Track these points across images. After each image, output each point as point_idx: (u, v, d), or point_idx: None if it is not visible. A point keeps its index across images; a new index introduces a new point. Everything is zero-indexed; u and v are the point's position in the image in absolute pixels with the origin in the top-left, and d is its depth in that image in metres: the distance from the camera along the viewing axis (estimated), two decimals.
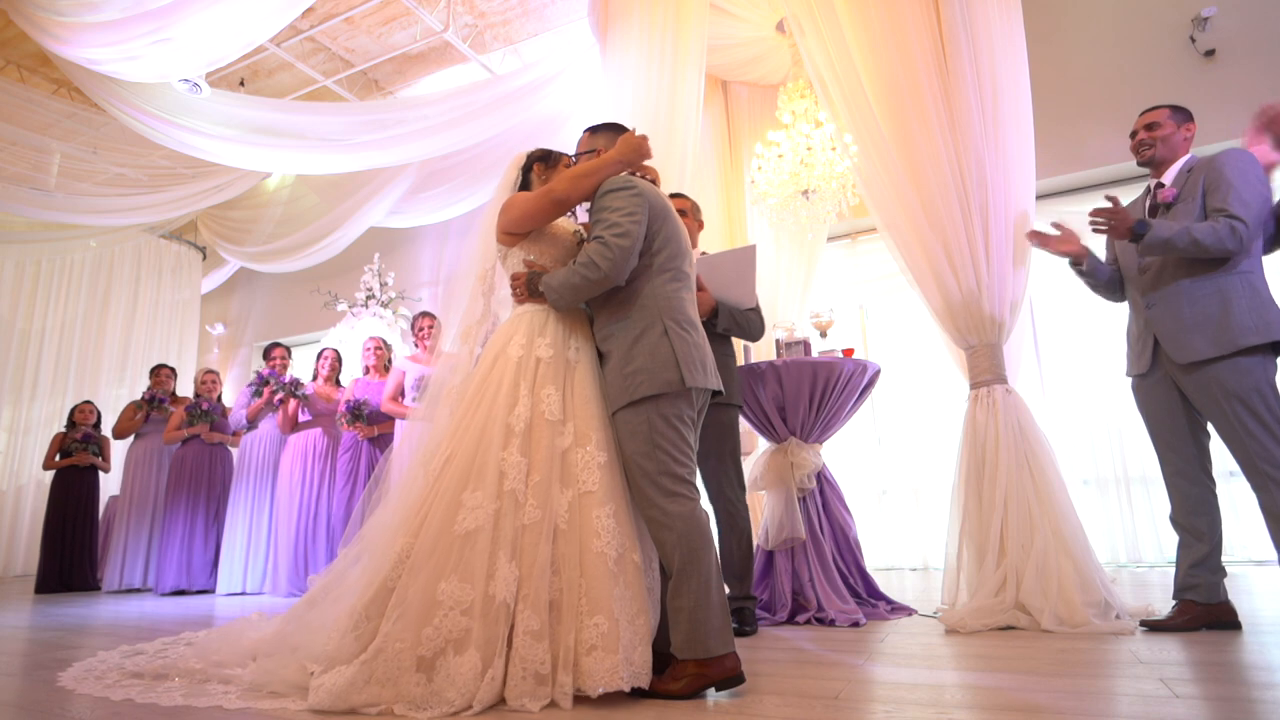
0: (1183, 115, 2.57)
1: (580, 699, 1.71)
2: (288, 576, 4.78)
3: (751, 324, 2.86)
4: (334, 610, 1.89)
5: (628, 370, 1.90)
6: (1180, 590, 2.44)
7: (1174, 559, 2.53)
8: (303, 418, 5.18)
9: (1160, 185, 2.56)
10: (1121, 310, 2.74)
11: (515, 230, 2.08)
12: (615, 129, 2.16)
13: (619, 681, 1.68)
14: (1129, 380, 2.69)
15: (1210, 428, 2.47)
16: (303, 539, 4.84)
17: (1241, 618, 2.38)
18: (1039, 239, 2.79)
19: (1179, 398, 2.48)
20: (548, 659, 1.71)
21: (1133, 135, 2.61)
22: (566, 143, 2.70)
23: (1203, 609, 2.38)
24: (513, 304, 2.13)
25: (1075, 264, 2.72)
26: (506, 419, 1.90)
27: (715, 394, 2.06)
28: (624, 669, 1.69)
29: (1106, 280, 2.71)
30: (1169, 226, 2.37)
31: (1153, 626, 2.40)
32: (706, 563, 1.80)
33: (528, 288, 2.04)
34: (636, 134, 2.07)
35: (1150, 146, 2.55)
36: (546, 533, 1.81)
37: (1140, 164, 2.61)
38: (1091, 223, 2.51)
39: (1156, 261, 2.50)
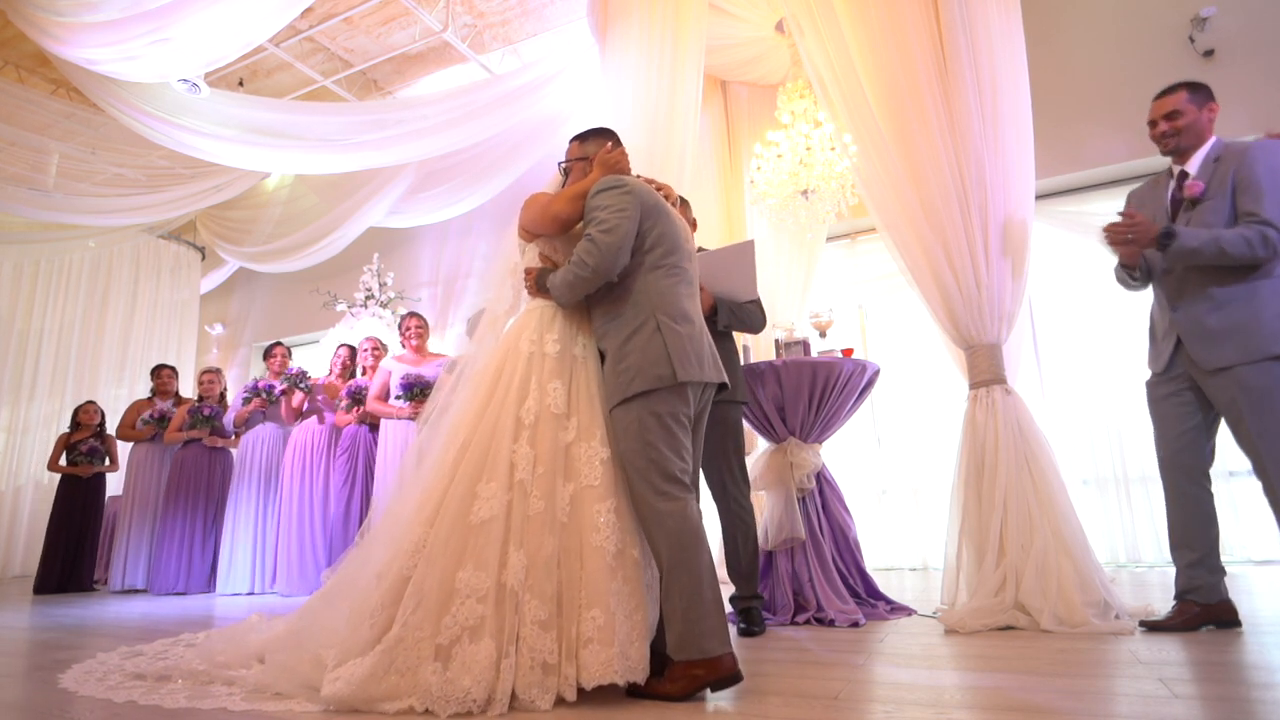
0: (1203, 95, 2.41)
1: (581, 698, 1.72)
2: (296, 576, 4.80)
3: (752, 316, 2.85)
4: (346, 604, 1.91)
5: (620, 367, 1.92)
6: (1182, 592, 2.43)
7: (1171, 559, 2.52)
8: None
9: (1185, 174, 2.44)
10: (1123, 310, 2.73)
11: (529, 229, 2.16)
12: (603, 134, 2.22)
13: (613, 674, 1.69)
14: (1128, 380, 2.67)
15: (1215, 429, 2.46)
16: (310, 537, 4.85)
17: (1241, 618, 2.38)
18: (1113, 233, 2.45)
19: (1194, 399, 2.44)
20: (555, 649, 1.73)
21: (1151, 124, 2.49)
22: (566, 142, 2.70)
23: (1202, 609, 2.38)
24: (525, 297, 2.18)
25: (1128, 268, 2.55)
26: (517, 412, 1.94)
27: (720, 389, 2.07)
28: (619, 662, 1.70)
29: (1144, 275, 2.56)
30: (1196, 235, 2.28)
31: (1151, 626, 2.40)
32: (698, 561, 1.80)
33: (536, 283, 2.09)
34: (612, 150, 2.16)
35: (1173, 136, 2.42)
36: (549, 524, 1.83)
37: (1164, 154, 2.50)
38: (1110, 236, 2.41)
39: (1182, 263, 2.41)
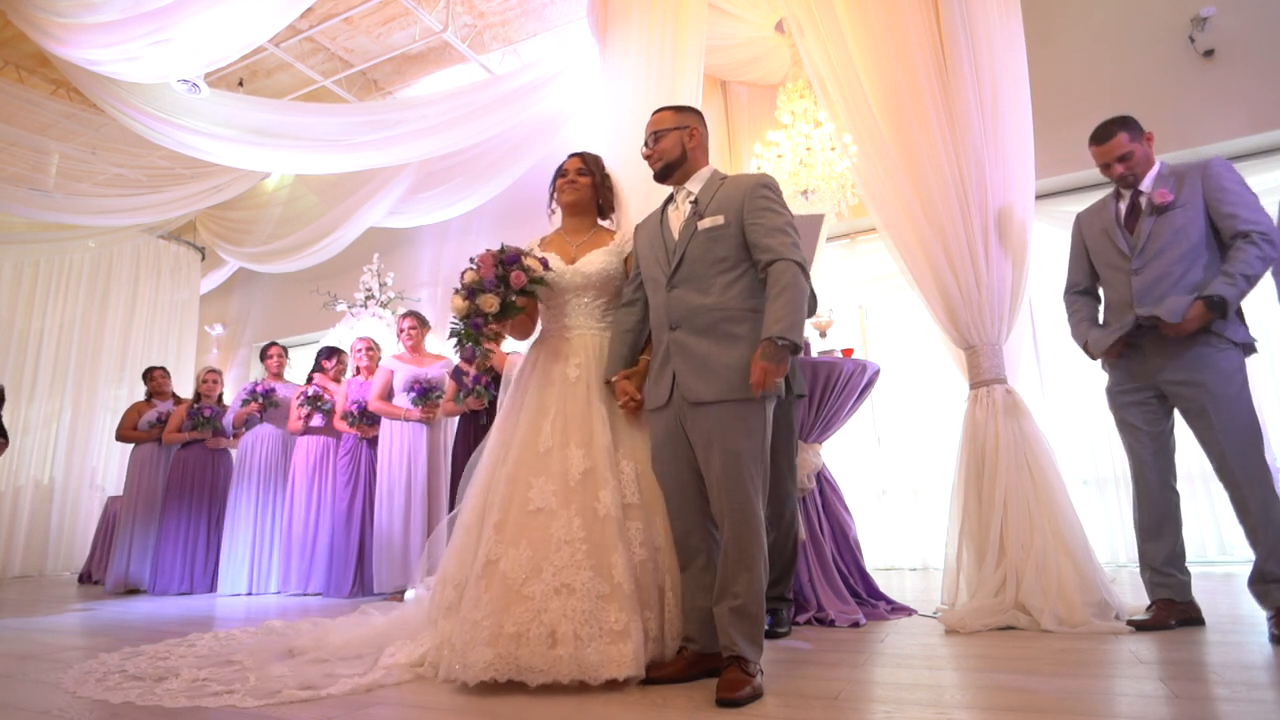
0: (1137, 129, 2.60)
1: (584, 690, 1.76)
2: (302, 577, 4.81)
3: (813, 300, 2.70)
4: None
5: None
6: (1156, 588, 2.49)
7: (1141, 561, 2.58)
8: (315, 422, 5.16)
9: (1139, 192, 2.57)
10: None
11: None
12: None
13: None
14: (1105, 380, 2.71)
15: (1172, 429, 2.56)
16: (312, 538, 4.86)
17: (1241, 618, 2.39)
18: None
19: (1158, 405, 2.53)
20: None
21: (1105, 168, 2.62)
22: (566, 142, 2.71)
23: (1180, 606, 2.44)
24: (551, 326, 2.34)
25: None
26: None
27: None
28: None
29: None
30: (1228, 286, 2.33)
31: (1139, 626, 2.41)
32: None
33: (794, 348, 1.83)
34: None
35: (1131, 173, 2.58)
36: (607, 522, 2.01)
37: (1124, 189, 2.63)
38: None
39: (1158, 263, 2.48)
